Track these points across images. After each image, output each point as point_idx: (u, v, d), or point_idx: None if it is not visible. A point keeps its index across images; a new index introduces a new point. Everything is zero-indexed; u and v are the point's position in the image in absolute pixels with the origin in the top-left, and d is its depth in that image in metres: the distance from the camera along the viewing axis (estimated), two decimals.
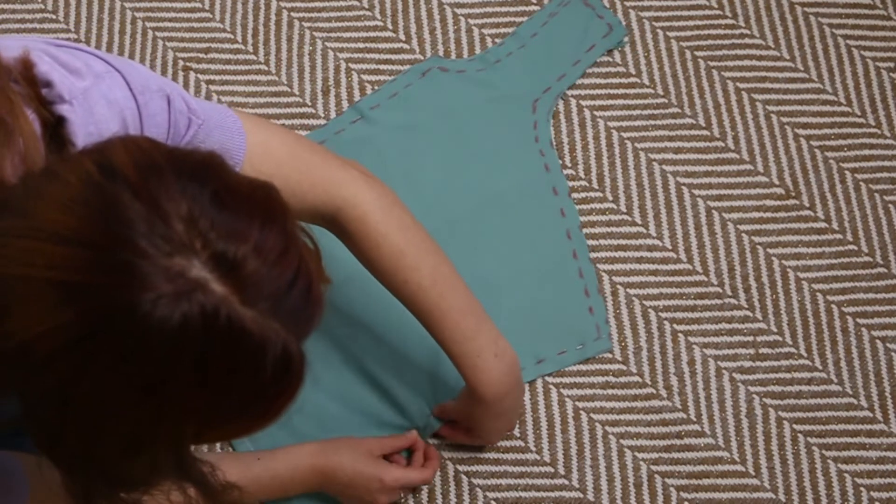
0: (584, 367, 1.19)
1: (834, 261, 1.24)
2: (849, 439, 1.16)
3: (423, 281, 1.00)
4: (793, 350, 1.20)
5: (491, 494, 1.14)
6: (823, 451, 1.16)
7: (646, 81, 1.32)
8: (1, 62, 0.75)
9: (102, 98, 0.79)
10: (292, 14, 1.36)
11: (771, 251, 1.24)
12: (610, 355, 1.19)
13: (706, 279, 1.23)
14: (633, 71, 1.33)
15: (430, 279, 1.00)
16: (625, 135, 1.29)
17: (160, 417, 0.64)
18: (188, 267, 0.61)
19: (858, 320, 1.21)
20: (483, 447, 1.15)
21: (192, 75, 1.32)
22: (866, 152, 1.29)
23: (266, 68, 1.33)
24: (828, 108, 1.31)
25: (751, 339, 1.20)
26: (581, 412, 1.17)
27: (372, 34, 1.35)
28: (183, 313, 0.60)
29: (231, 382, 0.64)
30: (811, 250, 1.24)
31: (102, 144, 0.67)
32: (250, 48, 1.34)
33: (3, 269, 0.62)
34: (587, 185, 1.27)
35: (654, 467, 1.15)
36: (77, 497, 0.73)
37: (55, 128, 0.77)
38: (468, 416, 1.10)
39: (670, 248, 1.24)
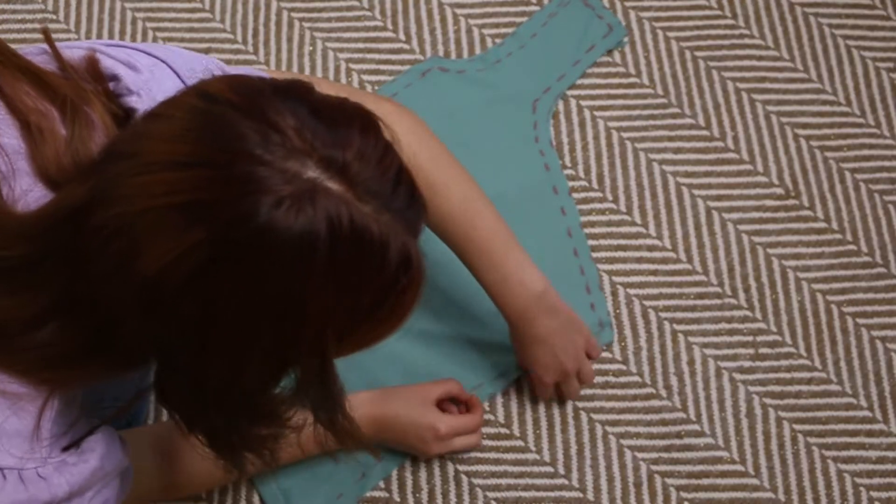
0: None
1: (834, 261, 1.24)
2: (848, 439, 1.16)
3: (454, 208, 1.02)
4: (792, 350, 1.20)
5: (491, 494, 1.14)
6: (823, 451, 1.16)
7: (646, 81, 1.32)
8: (69, 61, 0.79)
9: (160, 88, 0.82)
10: (292, 14, 1.36)
11: (771, 251, 1.24)
12: (610, 355, 1.19)
13: (706, 279, 1.23)
14: (633, 71, 1.33)
15: (459, 209, 1.02)
16: (625, 135, 1.29)
17: (300, 325, 0.65)
18: (303, 169, 0.63)
19: (858, 320, 1.21)
20: (482, 448, 1.16)
21: None
22: (866, 152, 1.29)
23: (266, 68, 1.33)
24: (828, 108, 1.31)
25: (751, 339, 1.20)
26: (581, 412, 1.17)
27: (372, 34, 1.35)
28: (307, 214, 0.62)
29: (362, 279, 0.66)
30: (811, 250, 1.24)
31: (198, 83, 0.69)
32: (250, 48, 1.34)
33: (125, 208, 0.64)
34: (587, 185, 1.27)
35: (654, 467, 1.15)
36: (222, 454, 0.76)
37: (124, 121, 0.80)
38: (516, 348, 1.12)
39: (670, 248, 1.24)
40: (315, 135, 0.64)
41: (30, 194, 0.74)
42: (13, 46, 0.79)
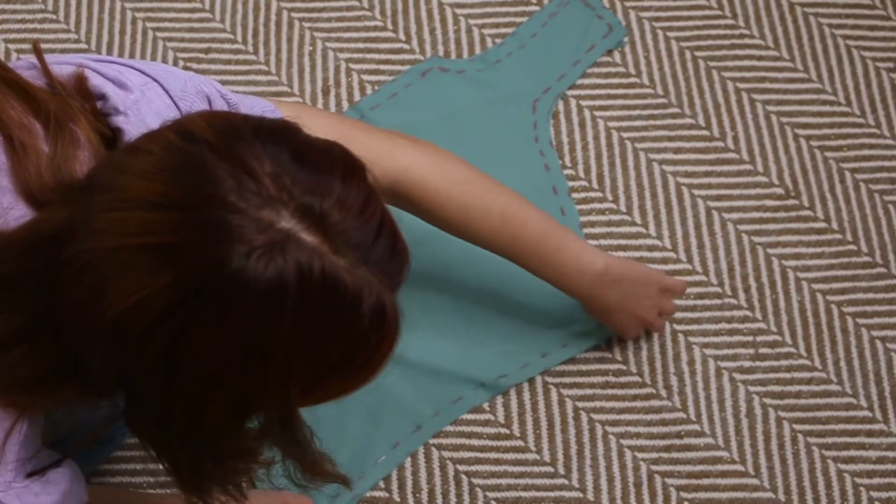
0: (583, 367, 1.19)
1: (834, 261, 1.24)
2: (848, 439, 1.16)
3: (495, 225, 1.04)
4: (793, 350, 1.20)
5: (491, 494, 1.14)
6: (823, 451, 1.16)
7: (646, 81, 1.32)
8: (59, 78, 0.78)
9: (150, 109, 0.81)
10: (292, 14, 1.36)
11: (771, 251, 1.24)
12: (610, 355, 1.19)
13: (706, 279, 1.23)
14: (633, 71, 1.33)
15: (500, 221, 1.04)
16: (625, 135, 1.29)
17: (265, 374, 0.64)
18: (277, 218, 0.62)
19: (858, 320, 1.21)
20: (482, 448, 1.16)
21: None
22: (866, 152, 1.29)
23: (266, 68, 1.33)
24: (828, 108, 1.31)
25: (751, 339, 1.20)
26: (581, 412, 1.17)
27: (372, 34, 1.35)
28: (277, 264, 0.61)
29: (330, 332, 0.65)
30: (811, 250, 1.24)
31: (180, 118, 0.69)
32: (250, 48, 1.34)
33: (98, 243, 0.64)
34: (587, 185, 1.27)
35: (654, 467, 1.15)
36: (186, 487, 0.75)
37: (111, 140, 0.79)
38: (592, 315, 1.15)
39: (670, 248, 1.24)
40: (294, 181, 0.63)
41: (10, 212, 0.73)
42: (12, 47, 0.79)
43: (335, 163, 0.66)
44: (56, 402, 0.75)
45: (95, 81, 0.80)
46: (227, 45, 1.34)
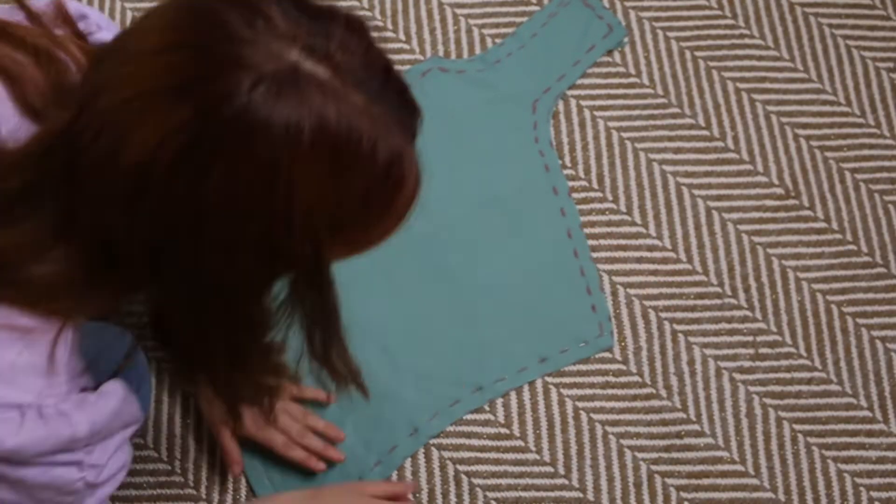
0: (583, 367, 1.19)
1: (834, 261, 1.24)
2: (848, 439, 1.16)
3: None
4: (792, 350, 1.20)
5: (491, 494, 1.14)
6: (823, 451, 1.16)
7: (646, 81, 1.32)
8: (32, 9, 0.80)
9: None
10: None
11: (771, 251, 1.24)
12: (610, 355, 1.19)
13: (706, 279, 1.23)
14: (633, 71, 1.33)
15: None
16: (625, 135, 1.29)
17: (290, 210, 0.65)
18: (287, 51, 0.64)
19: (858, 320, 1.21)
20: (483, 448, 1.16)
21: None
22: (866, 152, 1.29)
23: None
24: (828, 108, 1.31)
25: (751, 339, 1.20)
26: (581, 412, 1.17)
27: (372, 34, 1.35)
28: (288, 94, 0.63)
29: (349, 166, 0.66)
30: (811, 250, 1.24)
31: None
32: None
33: (112, 98, 0.64)
34: (587, 185, 1.27)
35: (654, 467, 1.15)
36: (223, 392, 0.78)
37: None
38: None
39: (670, 248, 1.24)
40: (299, 24, 0.65)
41: (18, 133, 0.74)
42: None
43: (337, 15, 0.68)
44: (95, 303, 0.75)
45: (72, 5, 0.82)
46: None
